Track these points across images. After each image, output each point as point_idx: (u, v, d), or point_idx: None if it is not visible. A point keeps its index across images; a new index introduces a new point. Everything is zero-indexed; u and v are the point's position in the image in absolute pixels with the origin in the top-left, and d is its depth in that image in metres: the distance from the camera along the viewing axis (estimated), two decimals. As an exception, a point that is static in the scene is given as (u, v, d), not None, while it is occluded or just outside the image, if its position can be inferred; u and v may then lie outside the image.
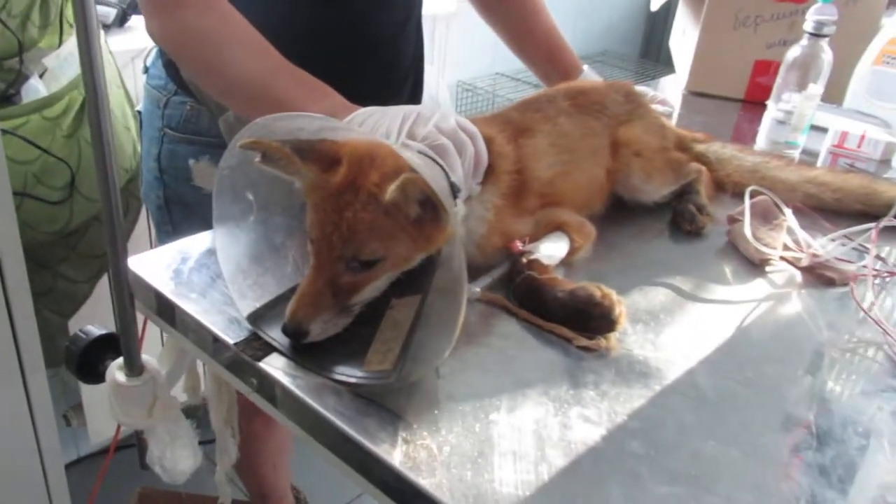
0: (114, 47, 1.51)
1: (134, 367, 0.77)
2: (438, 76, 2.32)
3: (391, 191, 0.60)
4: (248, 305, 0.68)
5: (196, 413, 0.93)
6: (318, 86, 0.79)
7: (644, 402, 0.64)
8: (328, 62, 0.95)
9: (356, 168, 0.63)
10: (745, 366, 0.70)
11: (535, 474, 0.56)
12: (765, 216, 0.93)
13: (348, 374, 0.62)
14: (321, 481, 1.72)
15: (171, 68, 1.01)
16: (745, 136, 1.32)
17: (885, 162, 1.24)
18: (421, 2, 1.12)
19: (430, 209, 0.62)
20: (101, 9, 1.65)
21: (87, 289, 1.49)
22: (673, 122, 1.36)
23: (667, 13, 1.62)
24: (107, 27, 1.66)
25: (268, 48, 0.80)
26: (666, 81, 1.64)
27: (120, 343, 0.77)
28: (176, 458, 0.82)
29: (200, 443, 0.89)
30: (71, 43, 1.39)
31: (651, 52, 3.14)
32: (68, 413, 1.77)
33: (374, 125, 0.71)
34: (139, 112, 1.11)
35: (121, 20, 1.68)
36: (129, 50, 1.58)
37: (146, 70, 1.08)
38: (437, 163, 0.68)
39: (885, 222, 0.89)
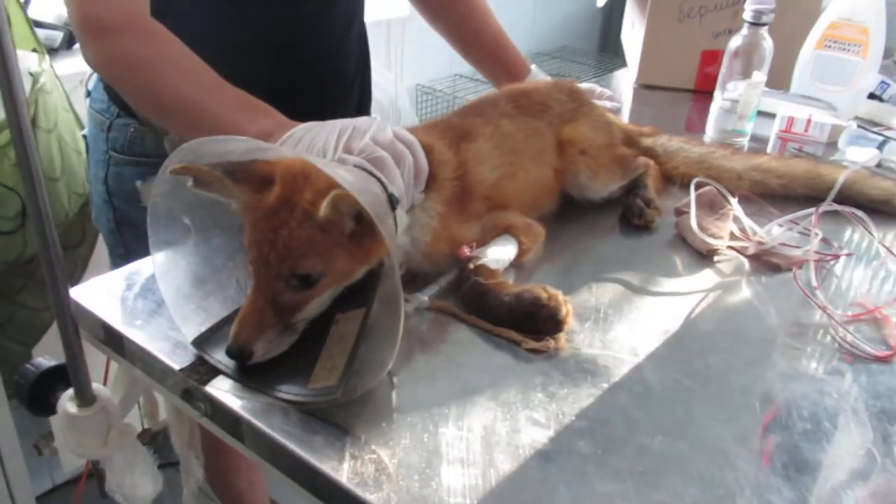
0: (61, 70, 1.50)
1: (85, 398, 0.76)
2: (396, 80, 2.32)
3: (324, 206, 0.60)
4: (192, 330, 0.67)
5: (157, 438, 0.93)
6: (257, 105, 0.78)
7: (592, 400, 0.65)
8: (271, 79, 0.95)
9: (290, 186, 0.63)
10: (692, 358, 0.71)
11: (483, 480, 0.56)
12: (711, 206, 0.95)
13: (294, 392, 0.62)
14: (301, 492, 1.71)
15: (113, 91, 1.00)
16: (696, 126, 1.33)
17: (832, 144, 1.26)
18: (363, 11, 1.11)
19: (366, 223, 0.62)
20: (48, 32, 1.63)
21: (48, 317, 1.47)
22: (624, 116, 1.38)
23: (623, 7, 1.63)
24: (54, 51, 1.64)
25: (204, 69, 0.80)
26: (620, 75, 1.65)
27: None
28: (136, 484, 0.81)
29: (167, 465, 0.88)
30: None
31: (609, 46, 3.16)
32: (39, 442, 1.74)
33: (311, 141, 0.71)
34: (84, 136, 1.10)
35: (68, 43, 1.66)
36: (78, 73, 1.56)
37: (88, 94, 1.07)
38: (375, 175, 0.68)
39: (824, 207, 0.91)
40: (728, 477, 0.57)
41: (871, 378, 0.70)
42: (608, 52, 3.12)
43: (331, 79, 1.08)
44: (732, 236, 0.91)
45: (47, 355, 0.84)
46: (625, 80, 1.59)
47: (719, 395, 0.67)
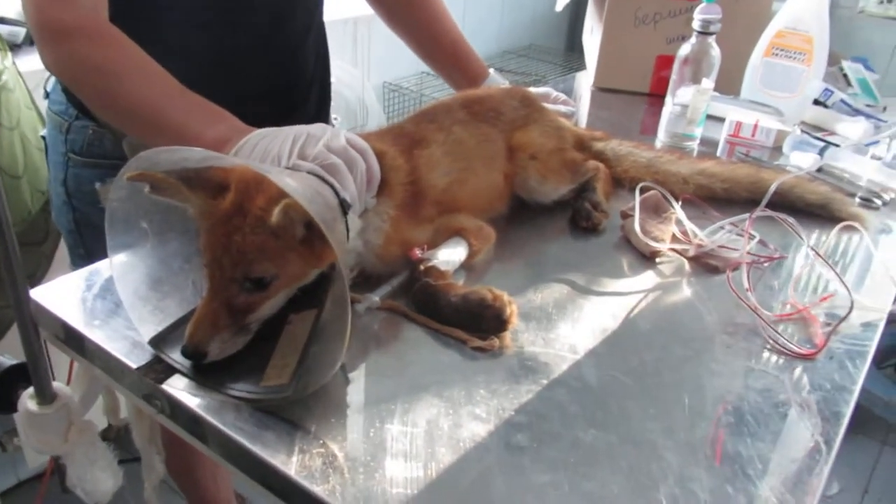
0: (23, 67, 1.49)
1: (45, 396, 0.78)
2: (364, 78, 2.34)
3: (275, 214, 0.63)
4: (149, 330, 0.70)
5: (119, 434, 0.95)
6: (214, 110, 0.80)
7: (531, 396, 0.69)
8: (228, 83, 0.97)
9: (243, 193, 0.66)
10: (628, 356, 0.75)
11: (424, 472, 0.59)
12: (656, 209, 0.99)
13: (247, 390, 0.65)
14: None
15: (71, 93, 1.01)
16: (650, 129, 1.38)
17: (777, 149, 1.32)
18: (321, 12, 1.13)
19: (317, 229, 0.65)
20: (9, 28, 1.62)
21: (10, 314, 1.48)
22: (582, 118, 1.42)
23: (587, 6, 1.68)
24: (16, 47, 1.64)
25: (162, 74, 0.81)
26: (580, 77, 1.70)
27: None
28: (96, 479, 0.84)
29: (127, 461, 0.90)
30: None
31: (576, 44, 3.20)
32: (3, 438, 1.74)
33: (266, 147, 0.73)
34: (43, 137, 1.11)
35: (31, 39, 1.65)
36: (41, 69, 1.55)
37: (47, 95, 1.08)
38: (327, 181, 0.71)
39: (757, 212, 0.96)
40: (653, 467, 0.62)
41: (795, 375, 0.75)
42: (575, 50, 3.17)
43: (290, 81, 1.10)
44: (674, 238, 0.95)
45: (8, 354, 0.86)
46: (584, 83, 1.64)
47: (652, 390, 0.71)
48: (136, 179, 0.64)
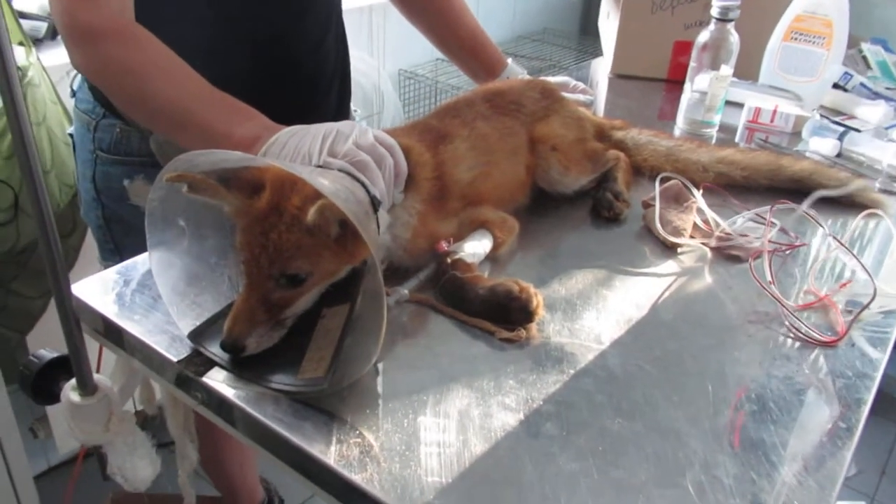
0: (47, 62, 1.51)
1: (87, 387, 0.81)
2: (379, 66, 2.34)
3: (311, 213, 0.64)
4: (188, 324, 0.72)
5: (153, 422, 0.97)
6: (242, 108, 0.82)
7: (559, 386, 0.71)
8: (251, 81, 0.98)
9: (279, 192, 0.68)
10: (652, 345, 0.77)
11: (458, 462, 0.62)
12: (677, 199, 1.00)
13: (285, 382, 0.67)
14: (291, 471, 1.77)
15: (98, 92, 1.03)
16: (669, 115, 1.39)
17: (796, 134, 1.32)
18: (340, 8, 1.14)
19: (350, 227, 0.67)
20: (32, 23, 1.64)
21: (41, 304, 1.51)
22: (600, 106, 1.43)
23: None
24: (39, 41, 1.66)
25: (190, 74, 0.83)
26: (596, 64, 1.70)
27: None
28: (136, 467, 0.87)
29: (163, 445, 0.93)
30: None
31: (591, 27, 3.18)
32: (34, 425, 1.79)
33: (296, 145, 0.75)
34: (71, 135, 1.13)
35: (52, 33, 1.67)
36: (64, 64, 1.58)
37: (73, 94, 1.10)
38: (358, 178, 0.72)
39: (778, 206, 0.97)
40: (679, 455, 0.64)
41: (817, 362, 0.77)
42: (590, 34, 3.15)
43: (312, 75, 1.11)
44: (696, 228, 0.96)
45: (48, 347, 0.89)
46: (601, 69, 1.64)
47: (676, 379, 0.73)
48: (175, 180, 0.66)
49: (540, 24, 3.04)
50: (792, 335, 0.80)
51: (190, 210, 0.73)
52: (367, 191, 0.72)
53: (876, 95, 1.43)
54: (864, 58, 1.56)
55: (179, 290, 0.73)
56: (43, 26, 1.67)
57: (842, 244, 0.93)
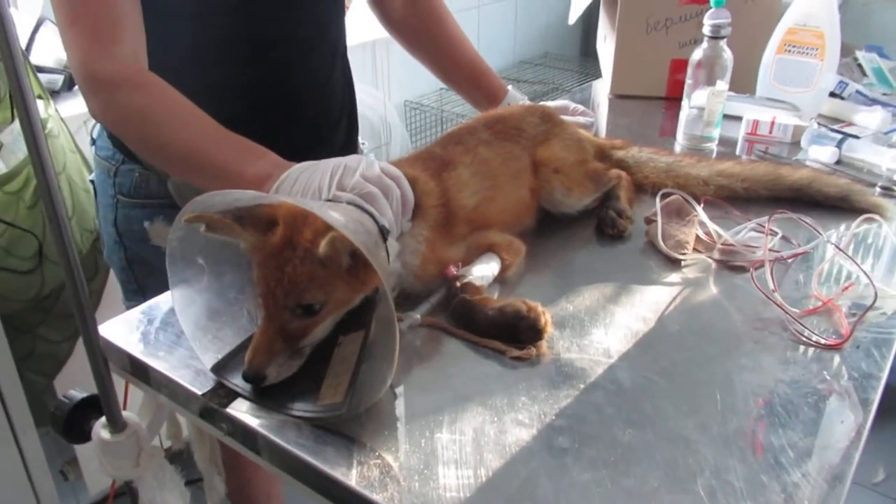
0: (64, 112, 1.57)
1: (117, 424, 0.84)
2: (385, 98, 2.40)
3: (323, 245, 0.68)
4: (210, 358, 0.75)
5: (181, 456, 1.00)
6: (253, 148, 0.86)
7: (570, 400, 0.73)
8: (260, 118, 1.03)
9: (291, 227, 0.71)
10: (660, 357, 0.79)
11: (475, 478, 0.64)
12: (679, 213, 1.03)
13: (305, 409, 0.70)
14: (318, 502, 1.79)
15: (117, 139, 1.07)
16: (669, 132, 1.42)
17: (795, 143, 1.35)
18: (345, 43, 1.19)
19: (361, 257, 0.70)
20: (49, 76, 1.71)
21: (66, 348, 1.56)
22: (601, 126, 1.46)
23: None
24: (56, 93, 1.72)
25: (202, 117, 0.87)
26: (597, 85, 1.74)
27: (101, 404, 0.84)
28: (166, 501, 0.89)
29: (190, 481, 0.96)
30: (23, 117, 1.45)
31: (591, 50, 3.23)
32: (64, 468, 1.82)
33: (306, 181, 0.79)
34: (92, 181, 1.18)
35: (69, 85, 1.74)
36: (81, 114, 1.64)
37: (93, 142, 1.14)
38: (366, 210, 0.76)
39: (776, 216, 0.99)
40: (690, 461, 0.65)
41: (823, 365, 0.78)
42: (590, 56, 3.20)
43: (320, 112, 1.15)
44: (698, 240, 0.99)
45: (78, 387, 0.92)
46: (602, 91, 1.68)
47: (683, 389, 0.75)
48: (193, 221, 0.69)
49: (541, 48, 3.10)
50: (797, 340, 0.82)
51: (208, 248, 0.76)
52: (376, 221, 0.75)
53: (873, 102, 1.45)
54: (860, 65, 1.59)
55: (201, 326, 0.77)
56: (59, 79, 1.73)
57: (841, 251, 0.95)
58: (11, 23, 0.67)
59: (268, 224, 0.72)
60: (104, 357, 0.82)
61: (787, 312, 0.84)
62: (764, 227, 0.98)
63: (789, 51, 1.41)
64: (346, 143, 1.20)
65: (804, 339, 0.82)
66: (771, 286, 0.88)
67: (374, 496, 0.62)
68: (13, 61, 0.67)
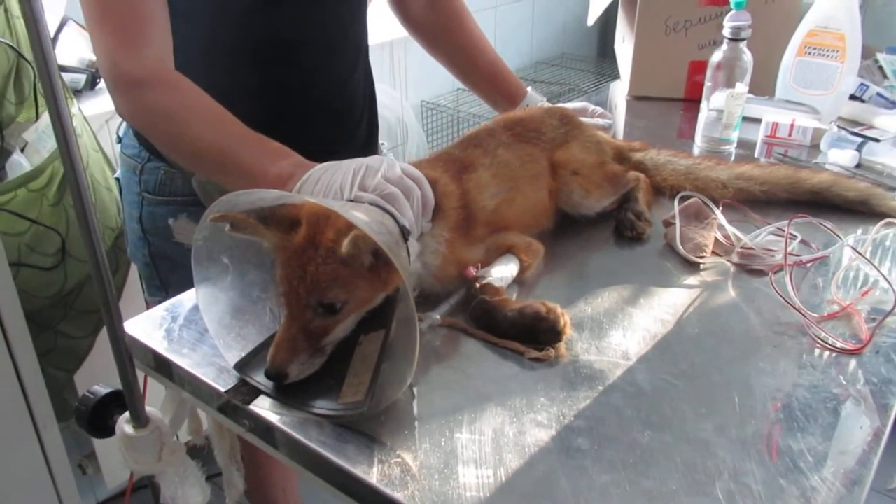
0: (87, 112, 1.59)
1: (140, 420, 0.86)
2: (402, 99, 2.41)
3: (345, 245, 0.69)
4: (234, 356, 0.76)
5: (201, 452, 1.02)
6: (276, 147, 0.87)
7: (589, 402, 0.73)
8: (283, 117, 1.04)
9: (314, 227, 0.72)
10: (678, 359, 0.79)
11: (494, 477, 0.64)
12: (697, 216, 1.03)
13: (326, 407, 0.71)
14: (332, 499, 1.80)
15: (142, 137, 1.09)
16: (687, 134, 1.42)
17: (815, 146, 1.34)
18: (367, 43, 1.20)
19: (383, 256, 0.71)
20: (72, 76, 1.73)
21: (87, 344, 1.58)
22: (619, 128, 1.46)
23: (617, 15, 1.72)
24: (78, 92, 1.74)
25: (226, 117, 0.88)
26: (615, 87, 1.74)
27: (125, 399, 0.86)
28: (187, 496, 0.91)
29: (209, 477, 0.97)
30: (48, 116, 1.47)
31: (608, 51, 3.23)
32: (83, 462, 1.85)
33: (328, 181, 0.80)
34: (117, 179, 1.19)
35: (91, 84, 1.76)
36: (103, 113, 1.66)
37: (119, 140, 1.16)
38: (388, 210, 0.76)
39: (796, 219, 0.99)
40: (708, 464, 0.66)
41: (842, 370, 0.78)
42: (607, 56, 3.20)
43: (342, 112, 1.16)
44: (717, 243, 0.99)
45: (96, 384, 0.94)
46: (620, 92, 1.68)
47: (702, 391, 0.75)
48: (218, 220, 0.70)
49: (558, 49, 3.10)
50: (816, 345, 0.82)
51: (233, 247, 0.77)
52: (397, 221, 0.76)
53: (893, 105, 1.44)
54: (881, 68, 1.58)
55: (225, 324, 0.78)
56: (82, 78, 1.76)
57: (861, 255, 0.94)
58: (44, 24, 0.68)
59: (291, 224, 0.73)
60: (129, 353, 0.83)
61: (806, 317, 0.84)
62: (783, 230, 0.98)
63: (809, 53, 1.41)
64: (366, 142, 1.21)
65: (823, 343, 0.81)
66: (790, 290, 0.88)
67: (395, 494, 0.63)
68: (45, 59, 0.68)
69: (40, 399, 1.30)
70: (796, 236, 0.99)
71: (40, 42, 0.68)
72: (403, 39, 2.32)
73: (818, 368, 0.78)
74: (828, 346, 0.81)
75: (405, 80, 2.45)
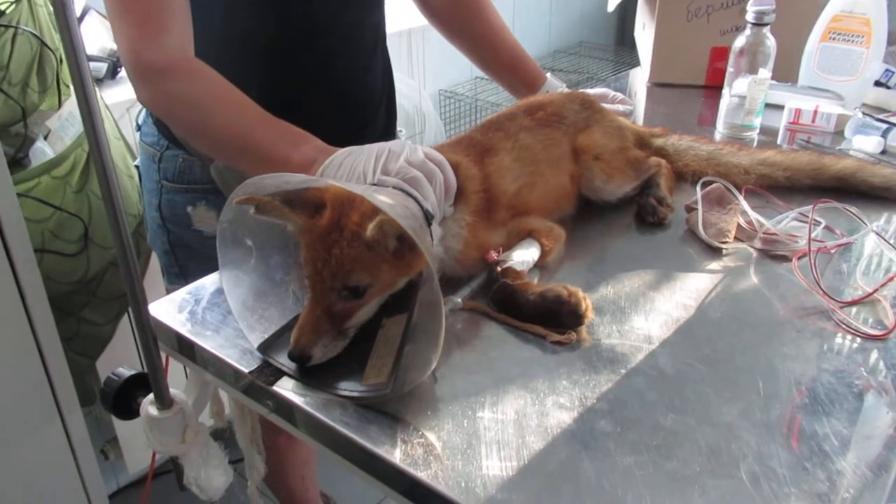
0: (108, 100, 1.60)
1: (164, 401, 0.87)
2: (420, 87, 2.40)
3: (370, 229, 0.69)
4: (257, 337, 0.77)
5: (223, 435, 1.03)
6: (297, 133, 0.87)
7: (611, 385, 0.73)
8: (303, 103, 1.04)
9: (339, 210, 0.72)
10: (701, 343, 0.79)
11: (517, 458, 0.65)
12: (720, 201, 1.02)
13: (350, 389, 0.71)
14: (349, 486, 1.82)
15: (162, 125, 1.09)
16: (708, 121, 1.41)
17: (839, 133, 1.32)
18: (384, 31, 1.19)
19: (407, 241, 0.71)
20: (92, 64, 1.74)
21: (109, 330, 1.59)
22: (639, 115, 1.45)
23: (637, 1, 1.70)
24: (99, 81, 1.75)
25: (247, 104, 0.88)
26: (634, 73, 1.72)
27: (149, 381, 0.87)
28: (210, 477, 0.92)
29: (230, 462, 0.98)
30: (70, 103, 1.48)
31: (626, 39, 3.21)
32: (105, 447, 1.87)
33: (351, 165, 0.80)
34: (137, 166, 1.20)
35: (112, 73, 1.77)
36: (124, 101, 1.68)
37: (139, 128, 1.17)
38: (410, 194, 0.77)
39: (820, 205, 0.98)
40: (732, 447, 0.65)
41: (868, 356, 0.78)
42: (625, 45, 3.18)
43: (361, 99, 1.16)
44: (739, 229, 0.98)
45: (118, 369, 0.95)
46: (639, 79, 1.66)
47: (725, 375, 0.75)
48: (244, 203, 0.71)
49: (576, 37, 3.08)
50: (841, 331, 0.81)
51: (256, 231, 0.78)
52: (421, 205, 0.76)
53: (919, 91, 1.42)
54: (906, 53, 1.55)
55: (248, 306, 0.78)
56: (103, 67, 1.77)
57: (885, 240, 0.93)
58: (71, 7, 0.69)
59: (315, 207, 0.73)
60: (154, 336, 0.84)
61: (832, 302, 0.83)
62: (805, 216, 0.97)
63: (834, 38, 1.39)
64: (385, 129, 1.21)
65: (849, 328, 0.81)
66: (814, 276, 0.87)
67: (418, 473, 0.63)
68: (72, 42, 0.69)
69: (64, 383, 1.32)
70: (820, 222, 0.98)
71: (68, 25, 0.69)
72: (421, 28, 2.31)
73: (843, 354, 0.78)
74: (853, 330, 0.80)
75: (423, 68, 2.45)
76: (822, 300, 0.85)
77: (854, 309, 0.84)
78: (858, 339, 0.80)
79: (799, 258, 0.92)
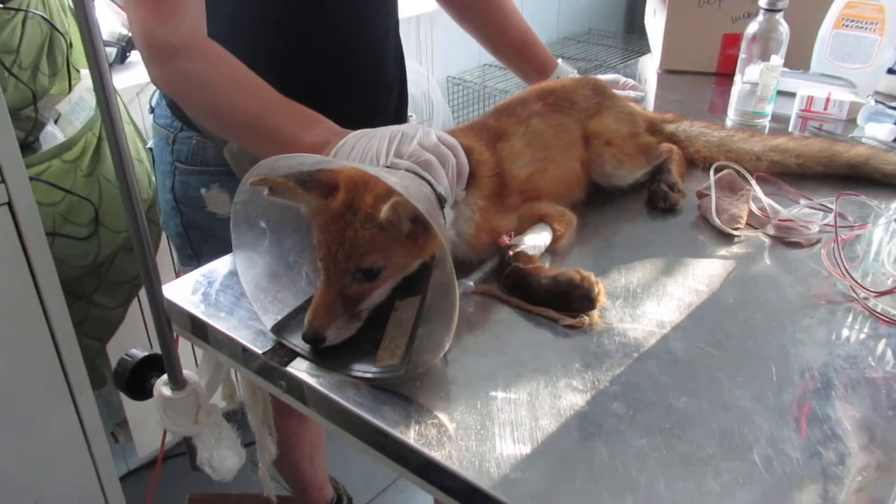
0: (118, 84, 1.60)
1: (177, 382, 0.87)
2: (428, 74, 2.40)
3: (384, 210, 0.69)
4: (270, 319, 0.77)
5: (235, 418, 1.03)
6: (310, 115, 0.87)
7: (623, 368, 0.73)
8: (317, 88, 1.04)
9: (352, 192, 0.72)
10: (714, 329, 0.79)
11: (531, 439, 0.65)
12: (732, 188, 1.02)
13: (363, 370, 0.72)
14: (357, 470, 1.83)
15: (175, 107, 1.10)
16: (719, 108, 1.40)
17: (851, 121, 1.32)
18: (397, 13, 1.19)
19: (420, 223, 0.71)
20: (103, 49, 1.74)
21: (119, 313, 1.60)
22: (650, 101, 1.44)
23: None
24: (109, 65, 1.75)
25: (261, 85, 0.88)
26: (644, 60, 1.72)
27: (162, 362, 0.87)
28: (222, 457, 0.92)
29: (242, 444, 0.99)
30: (80, 87, 1.49)
31: (635, 27, 3.19)
32: (115, 430, 1.89)
33: (364, 148, 0.80)
34: (150, 149, 1.20)
35: (121, 57, 1.77)
36: (134, 86, 1.68)
37: (152, 110, 1.17)
38: (423, 177, 0.77)
39: (845, 195, 0.97)
40: (745, 430, 0.66)
41: (881, 341, 0.78)
42: (635, 32, 3.16)
43: (373, 82, 1.16)
44: (751, 215, 0.98)
45: (139, 346, 0.95)
46: (650, 66, 1.66)
47: (738, 360, 0.75)
48: (258, 184, 0.71)
49: (585, 24, 3.06)
50: (854, 316, 0.81)
51: (270, 212, 0.78)
52: (434, 189, 0.76)
53: (933, 78, 1.41)
54: (920, 41, 1.54)
55: (262, 287, 0.79)
56: (113, 51, 1.77)
57: (902, 226, 0.93)
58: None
59: (329, 189, 0.73)
60: (167, 317, 0.84)
61: (856, 288, 0.83)
62: (821, 205, 0.97)
63: (847, 25, 1.38)
64: (396, 113, 1.21)
65: (886, 318, 0.80)
66: (828, 263, 0.87)
67: (432, 453, 0.64)
68: (88, 25, 0.69)
69: (76, 366, 1.33)
70: (831, 209, 0.98)
71: (84, 6, 0.69)
72: (430, 14, 2.30)
73: (856, 340, 0.78)
74: (879, 315, 0.80)
75: (431, 55, 2.44)
76: (834, 286, 0.85)
77: (867, 294, 0.84)
78: (871, 325, 0.80)
79: (810, 245, 0.91)
